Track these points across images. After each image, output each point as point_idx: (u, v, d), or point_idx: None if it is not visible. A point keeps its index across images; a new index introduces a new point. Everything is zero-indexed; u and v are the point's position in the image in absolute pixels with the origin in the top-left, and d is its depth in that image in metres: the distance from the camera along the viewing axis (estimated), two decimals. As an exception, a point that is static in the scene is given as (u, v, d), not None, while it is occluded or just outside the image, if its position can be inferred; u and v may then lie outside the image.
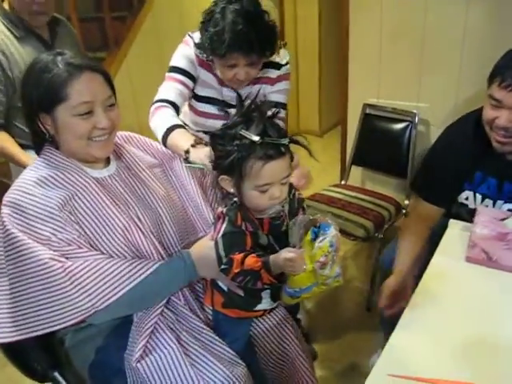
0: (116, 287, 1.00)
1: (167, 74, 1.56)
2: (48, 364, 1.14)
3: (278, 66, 1.61)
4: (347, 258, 2.65)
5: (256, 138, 0.94)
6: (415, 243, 1.45)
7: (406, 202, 2.38)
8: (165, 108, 1.47)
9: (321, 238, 0.96)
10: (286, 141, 0.98)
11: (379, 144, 2.49)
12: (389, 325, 1.78)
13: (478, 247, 1.12)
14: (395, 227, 2.34)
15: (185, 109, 1.69)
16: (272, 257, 0.98)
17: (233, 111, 1.57)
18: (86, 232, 1.04)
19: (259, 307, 1.16)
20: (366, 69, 2.48)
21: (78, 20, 2.82)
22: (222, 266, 1.02)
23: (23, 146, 1.72)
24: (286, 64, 1.64)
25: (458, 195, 1.53)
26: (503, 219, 1.13)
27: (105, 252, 1.05)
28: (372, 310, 2.20)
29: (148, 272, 1.03)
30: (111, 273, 1.01)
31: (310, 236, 0.98)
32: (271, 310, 1.21)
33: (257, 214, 1.04)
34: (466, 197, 1.51)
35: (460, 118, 1.55)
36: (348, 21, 2.46)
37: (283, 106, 1.65)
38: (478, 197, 1.48)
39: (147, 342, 1.04)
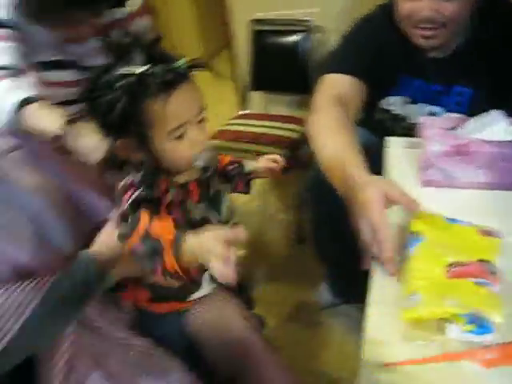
0: None
1: None
2: None
3: (121, 2, 1.24)
4: (265, 191, 2.48)
5: (142, 68, 0.70)
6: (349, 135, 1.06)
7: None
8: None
9: None
10: (182, 63, 0.73)
11: (276, 62, 2.24)
12: (331, 255, 1.67)
13: (435, 167, 0.95)
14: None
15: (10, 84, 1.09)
16: (195, 235, 0.71)
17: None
18: None
19: (196, 295, 0.94)
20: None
21: None
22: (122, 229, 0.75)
23: None
24: None
25: (379, 100, 1.37)
26: (452, 128, 0.97)
27: None
28: (305, 242, 2.07)
29: (32, 305, 0.72)
30: None
31: None
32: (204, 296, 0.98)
33: (179, 177, 0.82)
34: (390, 102, 1.36)
35: (364, 18, 1.34)
36: None
37: None
38: (405, 100, 1.33)
39: None
